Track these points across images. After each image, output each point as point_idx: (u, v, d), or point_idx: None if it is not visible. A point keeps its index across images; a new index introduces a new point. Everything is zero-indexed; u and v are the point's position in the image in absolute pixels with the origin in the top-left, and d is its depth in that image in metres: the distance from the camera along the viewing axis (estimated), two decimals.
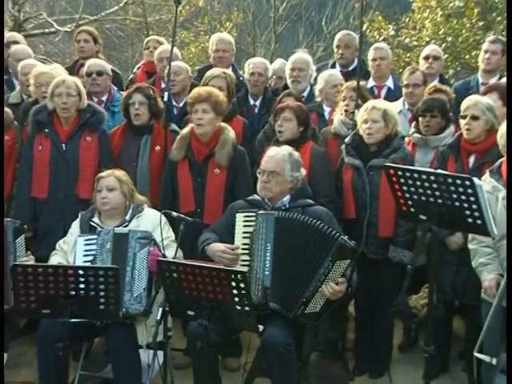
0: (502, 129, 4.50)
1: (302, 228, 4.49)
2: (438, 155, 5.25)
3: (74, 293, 3.90)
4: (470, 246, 4.51)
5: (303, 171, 4.83)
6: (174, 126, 5.78)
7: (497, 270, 4.35)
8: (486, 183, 4.44)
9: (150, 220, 4.82)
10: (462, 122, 5.03)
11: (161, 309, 4.23)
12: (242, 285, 3.69)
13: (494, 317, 4.13)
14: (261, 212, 4.61)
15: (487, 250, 4.42)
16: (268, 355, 4.42)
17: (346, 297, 4.49)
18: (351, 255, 4.35)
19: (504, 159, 4.47)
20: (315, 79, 6.55)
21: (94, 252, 4.71)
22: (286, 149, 4.81)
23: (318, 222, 4.47)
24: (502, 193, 4.36)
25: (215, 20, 18.69)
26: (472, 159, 5.06)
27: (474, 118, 4.96)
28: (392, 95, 6.57)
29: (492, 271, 4.35)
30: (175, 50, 6.49)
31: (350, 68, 7.02)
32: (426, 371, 3.99)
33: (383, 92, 6.83)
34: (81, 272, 3.91)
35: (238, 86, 6.56)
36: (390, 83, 6.85)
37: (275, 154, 4.73)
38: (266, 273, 4.50)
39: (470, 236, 4.54)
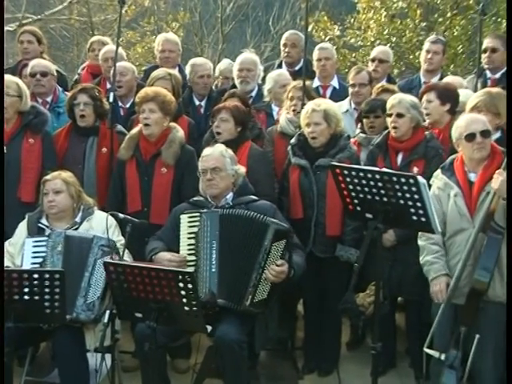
0: (457, 123, 4.53)
1: (243, 222, 4.53)
2: (367, 154, 5.31)
3: (17, 297, 3.83)
4: (420, 242, 4.58)
5: (241, 167, 4.88)
6: (120, 128, 5.74)
7: (443, 269, 4.40)
8: (438, 180, 4.52)
9: (101, 222, 4.75)
10: (389, 120, 5.10)
11: (108, 311, 4.19)
12: (190, 285, 3.68)
13: (444, 314, 4.20)
14: (205, 211, 4.64)
15: (434, 248, 4.48)
16: (221, 353, 4.43)
17: (291, 280, 4.52)
18: (286, 236, 4.44)
19: (456, 156, 4.54)
20: (263, 79, 6.56)
21: (43, 254, 4.63)
22: (220, 146, 4.90)
23: (253, 213, 4.52)
24: (454, 190, 4.42)
25: (162, 20, 18.55)
26: (400, 157, 5.12)
27: (400, 115, 5.04)
28: (337, 95, 6.63)
29: (438, 271, 4.40)
30: (121, 50, 6.43)
31: (296, 68, 7.06)
32: (373, 368, 4.04)
33: (328, 92, 6.87)
34: (25, 275, 3.85)
35: (185, 87, 6.54)
36: (335, 83, 6.89)
37: (212, 152, 4.79)
38: (213, 270, 4.53)
39: (420, 232, 4.60)
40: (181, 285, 3.69)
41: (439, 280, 4.37)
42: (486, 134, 4.35)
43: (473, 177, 4.43)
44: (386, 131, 5.22)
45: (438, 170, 4.59)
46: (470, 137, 4.36)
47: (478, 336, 4.09)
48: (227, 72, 7.08)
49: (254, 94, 6.53)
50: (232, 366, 4.39)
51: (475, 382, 4.36)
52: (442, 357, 4.18)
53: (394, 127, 5.06)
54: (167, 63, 6.88)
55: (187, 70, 6.70)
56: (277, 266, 4.41)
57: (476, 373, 4.28)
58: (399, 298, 5.48)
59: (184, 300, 3.73)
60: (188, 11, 19.09)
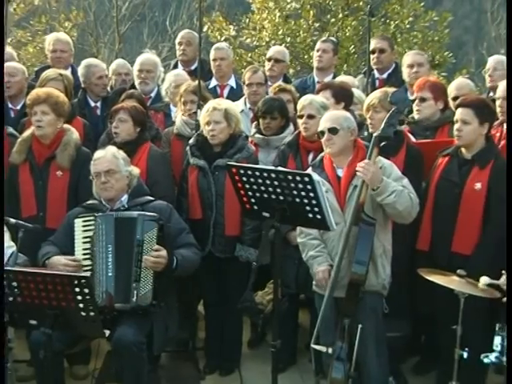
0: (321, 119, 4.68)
1: (124, 223, 4.54)
2: (278, 153, 5.36)
3: None
4: (299, 240, 4.66)
5: (135, 168, 4.85)
6: (10, 130, 5.56)
7: (326, 261, 4.50)
8: None
9: None
10: (300, 121, 5.17)
11: None
12: (86, 290, 3.63)
13: (327, 308, 4.28)
14: (99, 214, 4.58)
15: (315, 243, 4.58)
16: (119, 356, 4.38)
17: (175, 271, 4.54)
18: (156, 224, 4.47)
19: (324, 154, 4.64)
20: (164, 80, 6.54)
21: None
22: (112, 148, 4.84)
23: (126, 212, 4.56)
24: (325, 186, 4.48)
25: (54, 20, 18.09)
26: (311, 156, 5.20)
27: (311, 116, 5.12)
28: (234, 94, 6.65)
29: (322, 263, 4.50)
30: (10, 50, 6.24)
31: (192, 67, 7.05)
32: (273, 365, 4.07)
33: (226, 91, 6.90)
34: None
35: (77, 88, 6.41)
36: (232, 83, 6.93)
37: (104, 154, 4.73)
38: (110, 274, 4.48)
39: (298, 230, 4.68)
40: (77, 290, 3.63)
41: (322, 268, 4.46)
42: (333, 130, 4.50)
43: (341, 172, 4.57)
44: (297, 131, 5.29)
45: (310, 168, 4.69)
46: (321, 134, 4.54)
47: (360, 326, 4.20)
48: (119, 68, 7.01)
49: (153, 94, 6.51)
50: (131, 368, 4.35)
51: (361, 372, 4.47)
52: (330, 350, 4.26)
53: (305, 128, 5.13)
54: (59, 63, 6.73)
55: (81, 71, 6.57)
56: (154, 251, 4.43)
57: (361, 362, 4.39)
58: (301, 295, 5.55)
59: (80, 305, 3.67)
60: (82, 10, 18.71)
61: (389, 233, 4.58)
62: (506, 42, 6.40)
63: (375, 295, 4.48)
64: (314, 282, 4.59)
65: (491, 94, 6.38)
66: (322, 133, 4.54)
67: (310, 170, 4.63)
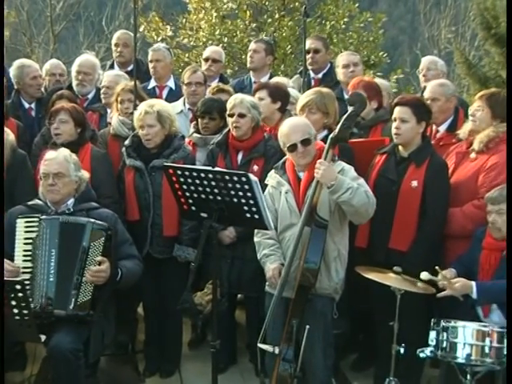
0: (281, 130, 4.63)
1: (71, 228, 4.47)
2: (207, 153, 5.36)
3: None
4: (255, 239, 4.66)
5: (85, 173, 4.78)
6: None
7: (279, 260, 4.51)
8: (272, 178, 4.65)
9: None
10: (230, 119, 5.17)
11: None
12: (21, 294, 3.55)
13: (276, 307, 4.29)
14: (44, 217, 4.50)
15: (270, 242, 4.59)
16: (55, 364, 4.31)
17: (119, 283, 4.50)
18: (104, 234, 4.44)
19: (286, 157, 4.66)
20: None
21: None
22: (64, 150, 4.75)
23: (75, 217, 4.49)
24: (285, 187, 4.54)
25: None
26: (240, 156, 5.21)
27: (241, 115, 5.12)
28: (173, 95, 6.63)
29: (274, 261, 4.51)
30: None
31: (129, 68, 6.97)
32: (213, 365, 4.05)
33: (165, 92, 6.85)
34: None
35: (10, 89, 6.29)
36: (171, 84, 6.88)
37: (56, 156, 4.65)
38: (51, 279, 4.40)
39: (256, 229, 4.69)
40: (11, 294, 3.55)
41: (272, 266, 4.46)
42: (306, 142, 4.48)
43: (302, 175, 4.58)
44: (226, 130, 5.28)
45: (273, 170, 4.71)
46: (292, 147, 4.49)
47: (308, 327, 4.21)
48: (53, 68, 6.91)
49: (90, 96, 6.42)
50: (68, 375, 4.28)
51: (307, 373, 4.50)
52: (276, 350, 4.27)
53: (236, 127, 5.13)
54: None
55: (14, 72, 6.45)
56: (97, 263, 4.38)
57: (307, 363, 4.42)
58: (239, 295, 5.56)
59: (15, 310, 3.59)
60: (14, 9, 18.36)
61: (345, 237, 4.59)
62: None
63: (326, 298, 4.48)
64: (267, 282, 4.58)
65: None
66: (294, 146, 4.47)
67: (272, 172, 4.67)
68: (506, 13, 7.85)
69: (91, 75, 6.44)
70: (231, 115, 5.16)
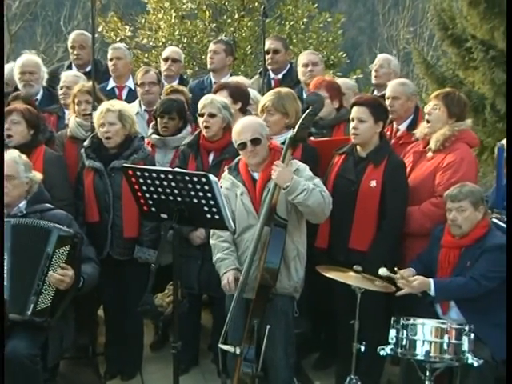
0: (234, 129, 4.63)
1: (32, 231, 4.41)
2: (178, 154, 5.34)
3: None
4: (211, 241, 4.65)
5: (37, 174, 4.71)
6: None
7: (233, 264, 4.49)
8: (226, 180, 4.62)
9: None
10: (201, 119, 5.15)
11: None
12: None
13: (236, 308, 4.29)
14: None
15: (224, 245, 4.56)
16: (12, 370, 4.22)
17: (81, 290, 4.47)
18: (70, 241, 4.39)
19: (239, 158, 4.65)
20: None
21: None
22: (14, 152, 4.69)
23: (39, 221, 4.42)
24: (240, 189, 4.54)
25: None
26: (211, 156, 5.20)
27: (212, 115, 5.10)
28: (133, 96, 6.56)
29: (228, 267, 4.48)
30: None
31: (87, 69, 6.89)
32: (174, 367, 4.04)
33: (124, 92, 6.80)
34: None
35: None
36: (130, 84, 6.81)
37: (5, 158, 4.57)
38: (5, 284, 4.32)
39: (212, 231, 4.67)
40: None
41: (228, 274, 4.45)
42: (256, 141, 4.48)
43: (256, 175, 4.58)
44: (198, 131, 5.26)
45: (226, 171, 4.70)
46: (242, 146, 4.50)
47: (268, 326, 4.22)
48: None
49: (39, 96, 6.32)
50: (25, 382, 4.23)
51: (269, 372, 4.52)
52: (237, 351, 4.27)
53: (206, 127, 5.11)
54: None
55: None
56: (61, 269, 4.33)
57: (269, 362, 4.43)
58: (204, 296, 5.55)
59: None
60: None
61: (303, 235, 4.59)
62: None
63: (286, 298, 4.49)
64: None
65: (375, 92, 6.59)
66: (244, 144, 4.48)
67: (226, 173, 4.66)
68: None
69: (37, 74, 6.29)
70: (201, 115, 5.14)
